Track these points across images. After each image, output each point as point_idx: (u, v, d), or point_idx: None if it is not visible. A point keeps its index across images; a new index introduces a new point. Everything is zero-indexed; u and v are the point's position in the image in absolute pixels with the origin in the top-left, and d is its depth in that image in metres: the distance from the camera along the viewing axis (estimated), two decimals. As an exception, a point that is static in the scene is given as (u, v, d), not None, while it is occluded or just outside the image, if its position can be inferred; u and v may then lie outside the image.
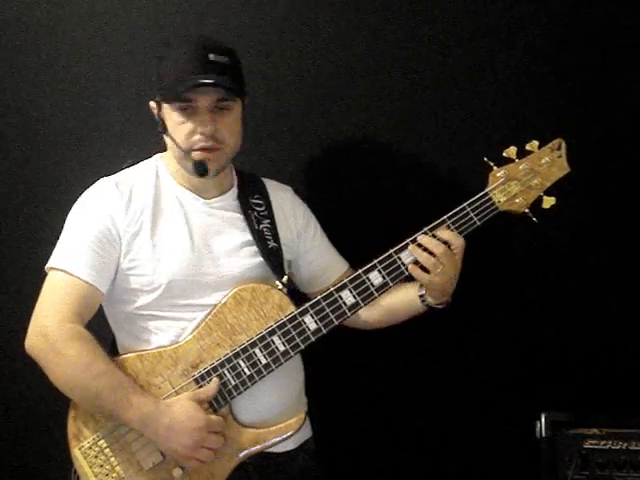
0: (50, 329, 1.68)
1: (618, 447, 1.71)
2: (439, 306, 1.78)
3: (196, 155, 1.72)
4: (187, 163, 1.74)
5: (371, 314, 1.86)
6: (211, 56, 1.68)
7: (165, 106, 1.73)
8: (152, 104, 1.78)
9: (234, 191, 1.85)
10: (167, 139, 1.76)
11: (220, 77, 1.68)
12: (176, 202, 1.78)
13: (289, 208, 1.90)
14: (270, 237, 1.82)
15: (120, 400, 1.65)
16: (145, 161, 1.85)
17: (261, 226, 1.82)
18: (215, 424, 1.68)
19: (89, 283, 1.70)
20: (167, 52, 1.73)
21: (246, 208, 1.83)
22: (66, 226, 1.77)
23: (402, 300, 1.83)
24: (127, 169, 1.83)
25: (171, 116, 1.72)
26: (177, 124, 1.71)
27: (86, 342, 1.68)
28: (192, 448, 1.65)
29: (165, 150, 1.83)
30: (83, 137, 2.16)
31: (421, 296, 1.78)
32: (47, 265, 1.74)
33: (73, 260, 1.71)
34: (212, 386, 1.70)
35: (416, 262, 1.71)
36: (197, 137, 1.70)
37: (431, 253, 1.69)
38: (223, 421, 1.70)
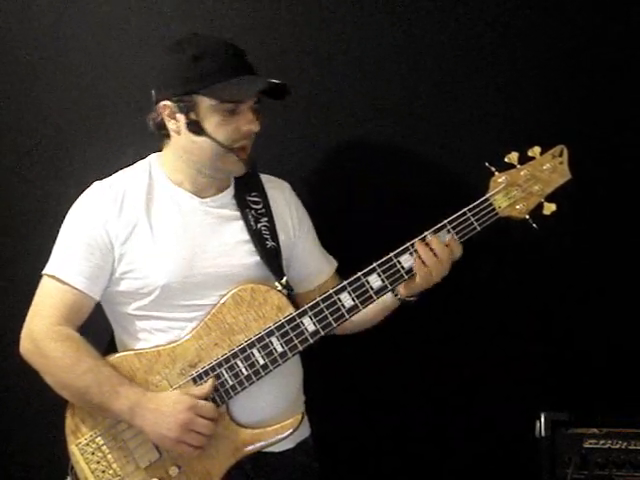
0: (37, 333, 1.71)
1: (617, 447, 1.72)
2: (410, 299, 1.76)
3: (240, 153, 1.72)
4: (223, 163, 1.73)
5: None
6: (247, 58, 1.72)
7: (204, 107, 1.68)
8: (168, 104, 1.71)
9: (231, 189, 1.84)
10: (198, 140, 1.71)
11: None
12: (170, 202, 1.78)
13: (285, 205, 1.88)
14: (268, 236, 1.81)
15: (108, 392, 1.67)
16: (139, 162, 1.84)
17: (259, 225, 1.81)
18: (203, 408, 1.68)
19: (80, 290, 1.72)
20: (198, 51, 1.69)
21: (243, 207, 1.82)
22: (60, 233, 1.78)
23: None
24: (121, 171, 1.82)
25: (212, 116, 1.69)
26: (221, 124, 1.69)
27: (71, 342, 1.70)
28: (180, 431, 1.65)
29: (160, 150, 1.82)
30: (83, 138, 2.15)
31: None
32: (43, 271, 1.76)
33: (65, 267, 1.73)
34: (207, 385, 1.70)
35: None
36: (240, 136, 1.71)
37: (435, 254, 1.68)
38: (212, 407, 1.70)
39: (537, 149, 1.74)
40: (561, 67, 2.04)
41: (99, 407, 1.70)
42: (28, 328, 1.73)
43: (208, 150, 1.72)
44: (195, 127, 1.70)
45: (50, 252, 1.77)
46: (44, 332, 1.71)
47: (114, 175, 1.82)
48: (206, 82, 1.68)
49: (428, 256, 1.68)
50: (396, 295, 1.77)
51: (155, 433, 1.67)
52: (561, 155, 1.74)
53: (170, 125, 1.74)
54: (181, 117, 1.71)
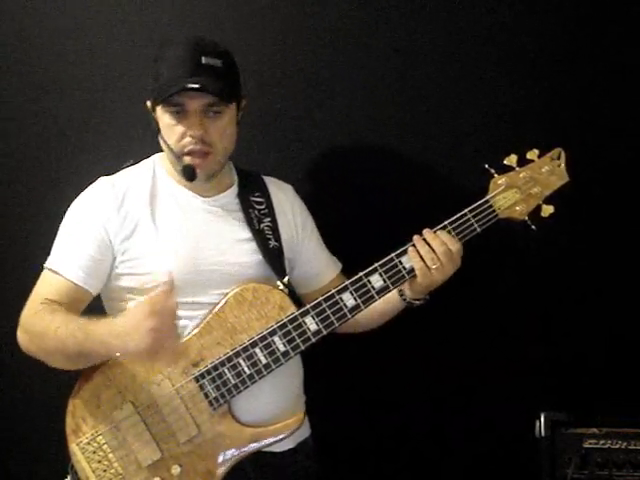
0: (24, 317, 1.71)
1: (617, 446, 1.73)
2: (417, 302, 1.77)
3: (186, 159, 1.73)
4: (177, 166, 1.75)
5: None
6: (203, 59, 1.69)
7: (158, 108, 1.74)
8: (148, 103, 1.79)
9: (234, 189, 1.86)
10: (160, 140, 1.77)
11: (210, 81, 1.68)
12: (173, 201, 1.79)
13: (289, 206, 1.90)
14: (271, 236, 1.83)
15: (81, 338, 1.62)
16: (144, 161, 1.86)
17: (262, 225, 1.83)
18: (158, 304, 1.57)
19: (77, 284, 1.72)
20: (162, 53, 1.74)
21: (246, 206, 1.83)
22: (61, 227, 1.79)
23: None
24: (126, 169, 1.84)
25: (163, 118, 1.73)
26: (169, 126, 1.73)
27: (47, 311, 1.67)
28: (151, 338, 1.54)
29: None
30: (84, 136, 2.17)
31: (400, 290, 1.78)
32: (44, 265, 1.77)
33: (63, 261, 1.74)
34: (157, 290, 1.60)
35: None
36: (187, 140, 1.72)
37: (432, 249, 1.70)
38: (163, 296, 1.59)
39: (535, 152, 1.76)
40: (560, 70, 2.07)
41: (81, 356, 1.64)
42: (21, 316, 1.72)
43: (165, 150, 1.76)
44: (156, 126, 1.76)
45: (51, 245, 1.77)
46: (29, 315, 1.70)
47: (119, 172, 1.83)
48: (156, 82, 1.72)
49: (425, 250, 1.70)
50: (402, 296, 1.78)
51: (133, 354, 1.59)
52: (559, 158, 1.77)
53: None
54: (153, 117, 1.77)
